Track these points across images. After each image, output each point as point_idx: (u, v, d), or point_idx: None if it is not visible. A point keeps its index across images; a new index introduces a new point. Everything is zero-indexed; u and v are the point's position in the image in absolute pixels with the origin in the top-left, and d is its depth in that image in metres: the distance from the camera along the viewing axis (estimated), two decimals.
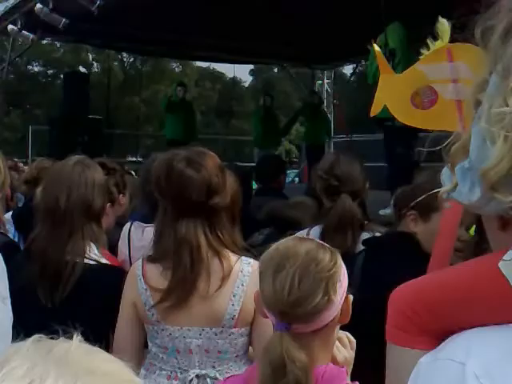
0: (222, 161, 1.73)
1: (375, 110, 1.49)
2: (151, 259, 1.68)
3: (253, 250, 2.29)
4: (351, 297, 1.31)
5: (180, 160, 1.66)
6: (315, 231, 2.27)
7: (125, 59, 27.48)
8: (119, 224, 2.59)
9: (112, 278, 1.85)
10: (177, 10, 8.01)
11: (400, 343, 1.02)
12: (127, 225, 2.49)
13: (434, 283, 1.00)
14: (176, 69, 27.38)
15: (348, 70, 17.17)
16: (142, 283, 1.66)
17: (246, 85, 41.20)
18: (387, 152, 6.28)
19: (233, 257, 1.66)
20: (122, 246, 2.44)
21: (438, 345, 0.92)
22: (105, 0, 6.87)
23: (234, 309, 1.61)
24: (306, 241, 1.33)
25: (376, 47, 1.50)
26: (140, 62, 25.10)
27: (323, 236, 2.20)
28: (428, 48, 1.32)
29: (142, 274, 1.67)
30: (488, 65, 0.88)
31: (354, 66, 13.00)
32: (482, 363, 0.79)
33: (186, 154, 1.68)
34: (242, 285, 1.62)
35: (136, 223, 2.41)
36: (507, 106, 0.79)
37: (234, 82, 29.00)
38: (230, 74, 32.25)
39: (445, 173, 0.99)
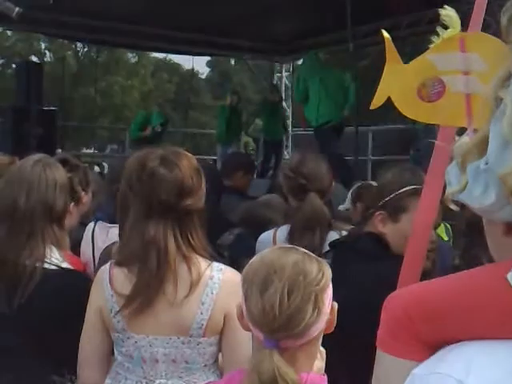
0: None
1: (377, 103, 1.37)
2: (118, 263, 1.60)
3: (224, 255, 2.25)
4: (336, 305, 1.28)
5: (154, 158, 1.59)
6: (282, 231, 2.23)
7: (79, 49, 26.76)
8: (82, 223, 2.49)
9: (74, 284, 1.78)
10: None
11: (392, 352, 0.97)
12: (91, 225, 2.38)
13: (434, 291, 0.94)
14: (132, 59, 26.79)
15: None
16: (109, 289, 1.58)
17: (204, 76, 40.92)
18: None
19: (203, 262, 1.59)
20: (85, 247, 2.34)
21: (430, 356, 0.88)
22: None
23: (203, 317, 1.54)
24: (291, 251, 1.28)
25: (385, 33, 1.37)
26: (95, 52, 24.48)
27: (291, 236, 2.16)
28: (438, 36, 1.22)
29: (109, 279, 1.59)
30: (511, 58, 0.83)
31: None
32: (483, 382, 0.75)
33: (161, 153, 1.61)
34: (212, 292, 1.55)
35: (100, 223, 2.30)
36: None
37: (192, 73, 28.65)
38: (187, 66, 31.89)
39: (451, 171, 0.93)
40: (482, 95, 1.12)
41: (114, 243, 2.01)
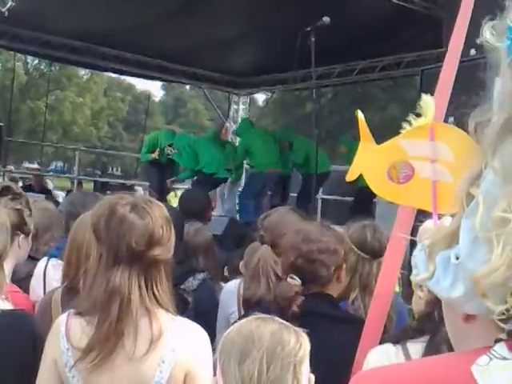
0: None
1: (351, 177, 1.47)
2: (77, 313, 1.52)
3: (189, 300, 2.20)
4: (313, 377, 1.26)
5: (124, 204, 1.53)
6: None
7: (29, 61, 26.15)
8: (31, 257, 2.38)
9: (17, 327, 1.63)
10: (90, 17, 7.74)
11: None
12: (43, 262, 2.27)
13: (401, 374, 0.94)
14: (84, 76, 26.38)
15: (261, 97, 17.45)
16: (64, 341, 1.49)
17: (158, 99, 40.84)
18: None
19: (166, 317, 1.51)
20: (36, 285, 2.22)
21: None
22: (17, 2, 6.50)
23: (162, 376, 1.46)
24: (269, 321, 1.27)
25: (359, 114, 1.46)
26: (45, 66, 23.98)
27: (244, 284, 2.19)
28: (410, 124, 1.29)
29: (66, 331, 1.50)
30: (482, 156, 0.86)
31: (269, 93, 13.28)
32: None
33: (132, 200, 1.55)
34: (173, 350, 1.47)
35: (54, 261, 2.20)
36: (511, 211, 0.76)
37: (145, 95, 28.52)
38: (140, 86, 31.75)
39: (419, 257, 0.97)
40: (448, 184, 1.18)
41: (57, 288, 1.92)
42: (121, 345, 1.45)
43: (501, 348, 0.81)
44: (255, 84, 11.06)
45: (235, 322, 2.07)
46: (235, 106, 11.47)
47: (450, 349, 1.11)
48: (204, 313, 2.20)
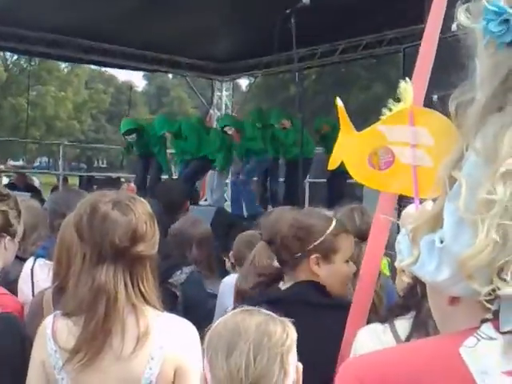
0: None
1: (332, 166, 1.48)
2: (64, 314, 1.50)
3: (177, 294, 2.18)
4: (300, 365, 1.26)
5: (107, 202, 1.51)
6: None
7: (8, 56, 25.77)
8: (18, 257, 2.33)
9: (7, 332, 1.62)
10: (69, 10, 7.62)
11: None
12: (30, 262, 2.23)
13: (389, 358, 0.94)
14: (65, 69, 26.04)
15: (244, 82, 17.37)
16: (52, 343, 1.47)
17: (140, 89, 40.53)
18: None
19: (153, 313, 1.50)
20: (24, 285, 2.18)
21: None
22: None
23: (152, 373, 1.45)
24: (254, 313, 1.26)
25: (339, 102, 1.44)
26: (25, 61, 23.66)
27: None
28: (390, 110, 1.28)
29: (52, 333, 1.48)
30: (463, 139, 0.86)
31: (252, 78, 13.21)
32: None
33: (115, 197, 1.53)
34: (162, 347, 1.46)
35: (41, 261, 2.16)
36: (496, 193, 0.76)
37: (127, 86, 28.25)
38: (122, 77, 31.46)
39: (402, 242, 0.96)
40: (429, 169, 1.18)
41: (46, 289, 1.89)
42: (108, 343, 1.43)
43: (487, 328, 0.82)
44: (238, 69, 10.99)
45: None
46: (218, 93, 11.40)
47: (436, 325, 1.12)
48: (193, 306, 2.21)
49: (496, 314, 0.82)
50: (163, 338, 1.47)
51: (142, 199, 1.58)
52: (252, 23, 8.31)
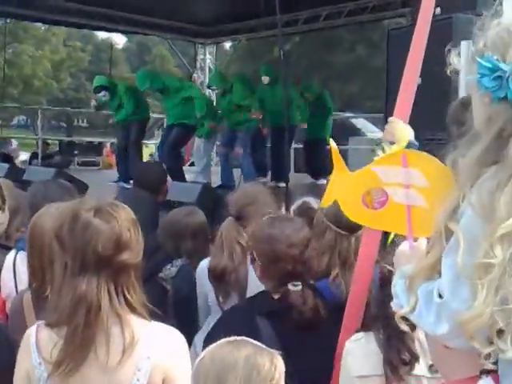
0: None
1: (325, 203, 1.50)
2: (47, 324, 1.48)
3: (168, 288, 2.20)
4: None
5: (88, 209, 1.48)
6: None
7: None
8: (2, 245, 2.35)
9: None
10: None
11: None
12: (12, 254, 2.23)
13: None
14: (42, 27, 25.22)
15: (228, 43, 17.00)
16: (36, 355, 1.45)
17: (120, 47, 39.53)
18: None
19: (139, 323, 1.47)
20: (7, 278, 2.19)
21: None
22: None
23: None
24: (242, 345, 1.26)
25: (332, 143, 1.47)
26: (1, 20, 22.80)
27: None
28: (383, 150, 1.30)
29: (36, 345, 1.46)
30: (459, 189, 0.88)
31: (236, 41, 12.98)
32: None
33: (96, 204, 1.50)
34: (149, 358, 1.43)
35: (22, 254, 2.17)
36: (495, 255, 0.78)
37: (107, 43, 27.45)
38: (101, 34, 30.57)
39: (398, 286, 0.99)
40: (423, 209, 1.21)
41: (25, 290, 1.88)
42: (93, 354, 1.42)
43: (487, 383, 0.86)
44: (221, 33, 10.79)
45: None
46: (202, 56, 11.21)
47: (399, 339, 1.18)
48: (183, 300, 2.21)
49: (494, 363, 0.85)
50: (150, 348, 1.45)
51: (124, 205, 1.55)
52: None
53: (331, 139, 1.53)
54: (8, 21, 16.39)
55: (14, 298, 1.87)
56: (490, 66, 0.84)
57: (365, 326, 1.55)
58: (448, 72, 0.97)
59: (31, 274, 1.83)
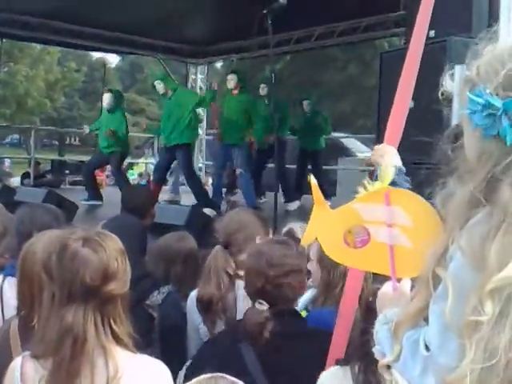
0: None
1: (306, 241, 1.46)
2: (33, 356, 1.45)
3: (154, 316, 2.16)
4: None
5: (76, 239, 1.47)
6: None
7: None
8: None
9: None
10: None
11: None
12: None
13: None
14: (37, 47, 25.26)
15: (219, 62, 17.10)
16: None
17: (114, 65, 39.75)
18: None
19: (124, 355, 1.45)
20: None
21: None
22: None
23: None
24: (219, 381, 1.25)
25: (312, 179, 1.43)
26: None
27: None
28: (365, 188, 1.26)
29: (21, 377, 1.44)
30: (448, 232, 0.84)
31: (231, 60, 13.04)
32: None
33: (84, 234, 1.50)
34: None
35: (10, 279, 2.13)
36: (484, 312, 0.74)
37: (101, 62, 27.53)
38: (94, 53, 30.66)
39: (381, 333, 0.95)
40: (406, 249, 1.17)
41: (12, 318, 1.84)
42: None
43: None
44: (212, 53, 10.85)
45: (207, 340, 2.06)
46: (193, 76, 11.25)
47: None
48: (170, 328, 2.18)
49: None
50: (134, 381, 1.43)
51: (112, 234, 1.54)
52: (228, 7, 8.19)
53: (311, 175, 1.47)
54: (3, 40, 16.45)
55: (1, 327, 1.83)
56: (481, 102, 0.80)
57: (345, 359, 1.50)
58: (439, 94, 0.92)
59: (20, 301, 1.81)
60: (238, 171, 6.89)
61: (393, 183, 1.70)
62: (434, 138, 0.99)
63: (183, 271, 2.55)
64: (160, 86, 6.54)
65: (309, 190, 1.47)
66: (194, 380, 1.27)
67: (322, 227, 1.38)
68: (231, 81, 6.76)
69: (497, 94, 0.79)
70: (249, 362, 1.68)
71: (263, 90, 7.39)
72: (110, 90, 7.69)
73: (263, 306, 1.71)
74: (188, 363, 1.86)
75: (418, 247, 1.00)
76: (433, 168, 0.96)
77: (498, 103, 0.78)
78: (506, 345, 0.72)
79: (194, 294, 2.23)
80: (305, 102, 7.90)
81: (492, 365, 0.73)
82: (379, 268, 1.30)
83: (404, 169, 1.69)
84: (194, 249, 2.68)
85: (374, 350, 0.99)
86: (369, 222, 1.26)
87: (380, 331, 0.96)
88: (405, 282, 1.13)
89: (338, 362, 1.50)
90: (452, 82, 0.89)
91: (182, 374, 2.13)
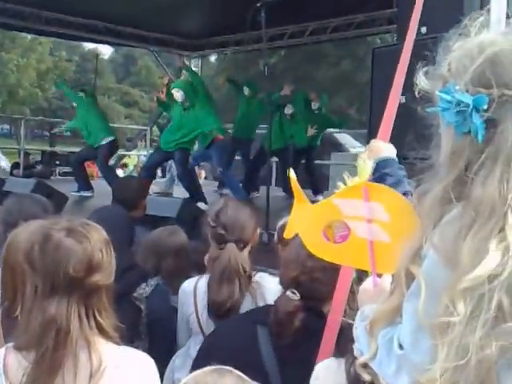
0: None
1: (288, 235, 1.43)
2: (16, 347, 1.43)
3: (141, 308, 2.13)
4: None
5: (60, 229, 1.45)
6: (203, 282, 2.15)
7: None
8: None
9: None
10: None
11: None
12: None
13: None
14: (29, 36, 25.05)
15: (214, 55, 17.04)
16: (3, 379, 1.41)
17: (106, 57, 39.49)
18: None
19: (108, 348, 1.43)
20: None
21: None
22: None
23: None
24: (226, 375, 1.24)
25: (292, 174, 1.40)
26: None
27: (209, 287, 2.09)
28: (344, 182, 1.24)
29: (3, 368, 1.42)
30: (422, 230, 0.84)
31: (223, 54, 13.00)
32: None
33: (68, 224, 1.47)
34: None
35: None
36: (456, 312, 0.73)
37: (93, 54, 27.37)
38: (87, 44, 30.42)
39: (360, 329, 0.95)
40: (386, 244, 1.16)
41: None
42: (61, 380, 1.37)
43: None
44: (207, 46, 10.80)
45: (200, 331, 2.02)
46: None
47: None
48: (158, 320, 2.14)
49: None
50: (119, 373, 1.41)
51: (97, 225, 1.52)
52: (222, 0, 8.17)
53: (291, 169, 1.43)
54: None
55: None
56: (451, 99, 0.79)
57: (339, 351, 1.50)
58: (416, 93, 0.89)
59: (3, 292, 1.78)
60: (218, 170, 7.00)
61: (386, 174, 1.69)
62: (422, 134, 0.98)
63: (174, 265, 2.52)
64: (178, 94, 6.59)
65: (301, 185, 1.44)
66: (201, 371, 1.25)
67: (302, 222, 1.37)
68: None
69: (467, 91, 0.78)
70: (264, 353, 1.66)
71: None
72: (83, 90, 7.81)
73: (295, 296, 1.68)
74: (179, 352, 1.81)
75: (396, 243, 0.99)
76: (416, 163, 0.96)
77: (468, 99, 0.77)
78: (476, 344, 0.71)
79: (188, 284, 2.18)
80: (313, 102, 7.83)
81: (463, 364, 0.72)
82: (359, 263, 1.29)
83: (396, 159, 1.69)
84: (184, 243, 2.66)
85: (353, 347, 0.99)
86: (348, 218, 1.25)
87: (358, 327, 0.97)
88: (385, 277, 1.12)
89: (335, 354, 1.49)
90: (426, 79, 0.88)
91: (171, 366, 2.12)
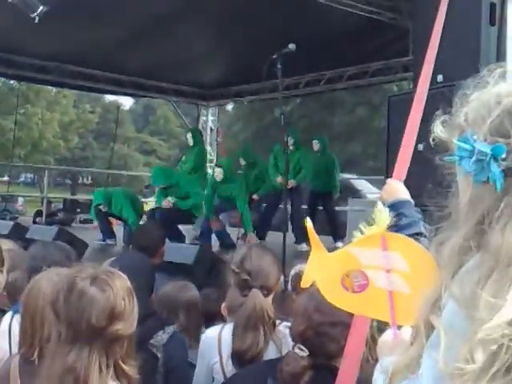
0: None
1: (305, 284, 1.41)
2: None
3: (158, 356, 2.12)
4: None
5: (84, 277, 1.48)
6: (227, 329, 2.11)
7: None
8: None
9: None
10: (57, 36, 7.64)
11: None
12: (7, 317, 2.21)
13: None
14: (53, 90, 25.82)
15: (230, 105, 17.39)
16: None
17: (127, 108, 40.51)
18: None
19: None
20: (1, 340, 2.16)
21: None
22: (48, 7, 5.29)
23: None
24: None
25: (308, 223, 1.39)
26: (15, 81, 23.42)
27: (234, 334, 2.05)
28: (361, 232, 1.24)
29: None
30: (442, 279, 0.83)
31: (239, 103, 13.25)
32: None
33: (93, 272, 1.51)
34: None
35: (19, 316, 2.14)
36: (473, 360, 0.72)
37: (115, 105, 28.11)
38: (109, 96, 31.30)
39: (379, 381, 0.94)
40: (405, 295, 1.14)
41: (14, 355, 1.83)
42: None
43: None
44: (223, 96, 11.05)
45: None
46: (204, 118, 11.44)
47: None
48: (175, 368, 2.11)
49: None
50: None
51: (121, 273, 1.55)
52: (238, 52, 8.40)
53: (308, 219, 1.41)
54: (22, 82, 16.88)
55: (3, 364, 1.84)
56: (469, 148, 0.80)
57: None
58: (431, 141, 0.90)
59: (22, 335, 1.81)
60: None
61: (401, 214, 1.67)
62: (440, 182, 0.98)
63: (186, 321, 2.57)
64: (189, 136, 7.77)
65: (320, 232, 1.43)
66: None
67: (320, 271, 1.34)
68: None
69: (485, 140, 0.80)
70: None
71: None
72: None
73: (302, 352, 1.62)
74: None
75: (416, 294, 0.97)
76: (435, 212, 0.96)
77: (486, 148, 0.78)
78: None
79: (211, 331, 2.16)
80: (314, 142, 7.86)
81: None
82: (379, 314, 1.26)
83: (413, 202, 1.68)
84: (195, 298, 2.70)
85: None
86: (367, 267, 1.23)
87: (377, 380, 0.96)
88: (405, 329, 1.10)
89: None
90: (443, 128, 0.90)
91: None
